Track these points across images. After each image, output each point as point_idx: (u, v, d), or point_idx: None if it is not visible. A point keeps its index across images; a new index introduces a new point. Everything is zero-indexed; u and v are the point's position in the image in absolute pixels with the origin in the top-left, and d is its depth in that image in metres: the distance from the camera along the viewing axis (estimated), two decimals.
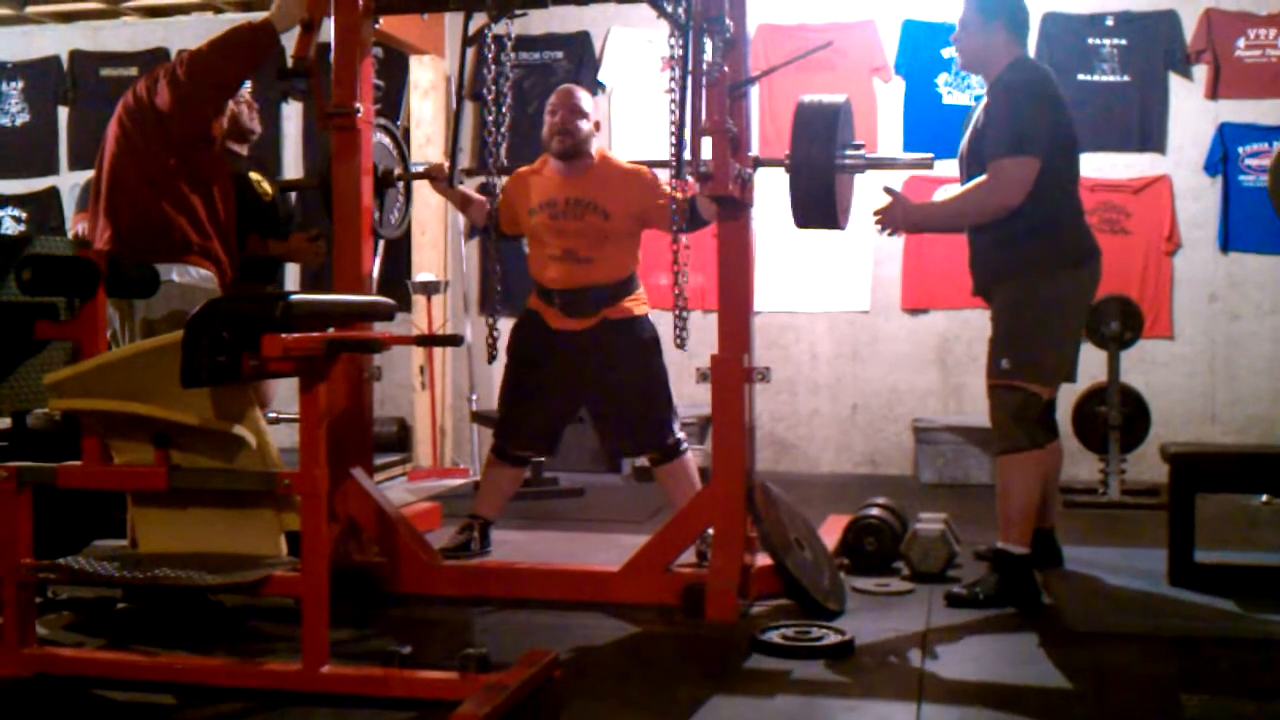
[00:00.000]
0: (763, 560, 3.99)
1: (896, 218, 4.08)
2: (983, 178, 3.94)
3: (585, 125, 4.55)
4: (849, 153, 4.05)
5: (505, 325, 4.67)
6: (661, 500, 5.62)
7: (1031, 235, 3.93)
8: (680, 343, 4.33)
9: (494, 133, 4.40)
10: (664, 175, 4.42)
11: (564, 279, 4.55)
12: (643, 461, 6.65)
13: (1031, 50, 6.74)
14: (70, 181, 8.04)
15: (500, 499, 4.78)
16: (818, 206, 3.96)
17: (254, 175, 4.81)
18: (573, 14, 7.35)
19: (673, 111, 3.88)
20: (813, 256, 7.00)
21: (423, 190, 7.17)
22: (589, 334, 4.55)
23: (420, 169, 4.89)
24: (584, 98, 4.61)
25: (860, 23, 7.08)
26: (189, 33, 7.67)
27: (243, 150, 4.77)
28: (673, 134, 3.87)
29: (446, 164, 4.65)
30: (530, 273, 4.67)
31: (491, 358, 4.55)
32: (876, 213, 4.09)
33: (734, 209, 4.03)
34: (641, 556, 4.04)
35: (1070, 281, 4.01)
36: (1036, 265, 3.94)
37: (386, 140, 4.80)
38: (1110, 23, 6.82)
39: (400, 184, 4.86)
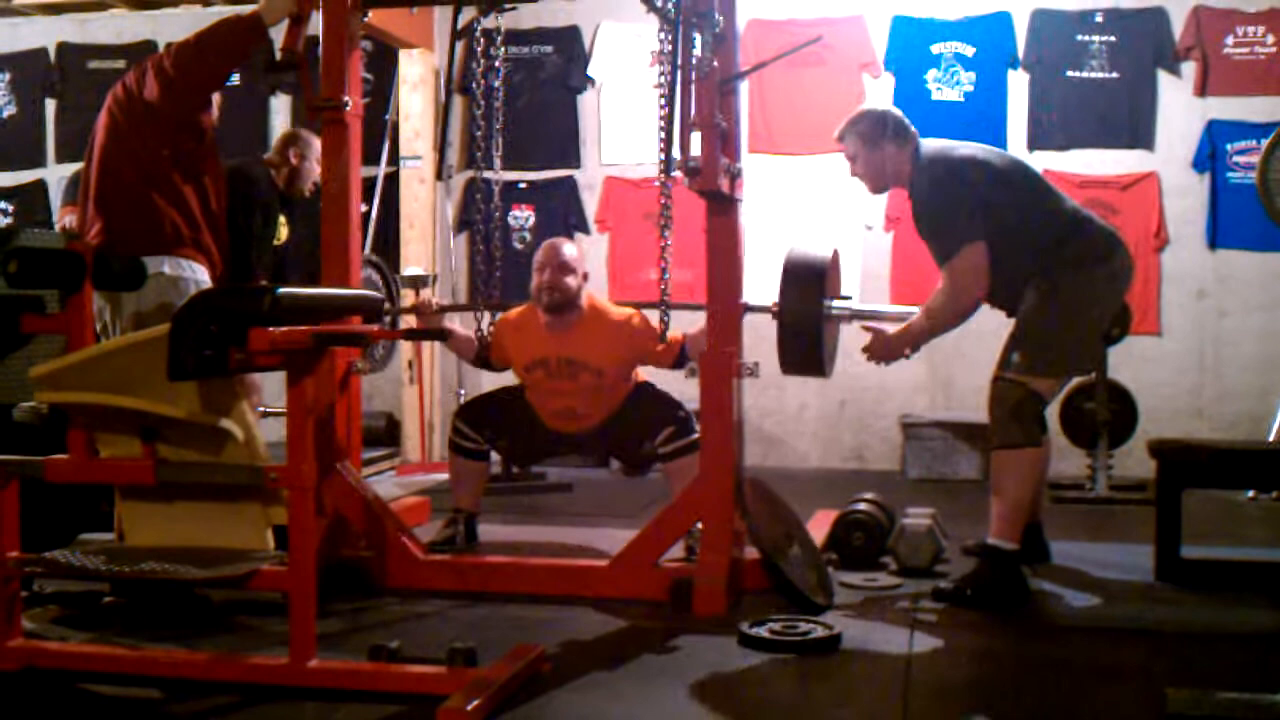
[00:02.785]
0: (751, 554, 4.00)
1: (883, 351, 4.21)
2: (942, 286, 4.06)
3: (573, 281, 4.58)
4: (836, 304, 4.21)
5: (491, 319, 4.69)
6: (649, 495, 5.63)
7: (1038, 261, 3.98)
8: (662, 336, 4.34)
9: (483, 127, 4.39)
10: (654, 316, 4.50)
11: (564, 427, 4.71)
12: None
13: (1021, 47, 6.85)
14: (58, 174, 8.01)
15: (474, 490, 4.79)
16: (805, 356, 4.08)
17: (281, 217, 4.92)
18: (563, 8, 7.35)
19: (662, 106, 3.89)
20: None
21: (411, 185, 7.21)
22: (588, 431, 4.74)
23: (408, 302, 5.04)
24: (570, 252, 4.64)
25: (849, 18, 7.08)
26: (177, 25, 7.63)
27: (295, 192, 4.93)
28: (662, 129, 3.87)
29: (435, 301, 4.79)
30: (529, 401, 4.76)
31: (482, 361, 4.57)
32: (865, 350, 4.23)
33: (723, 205, 4.03)
34: (630, 551, 4.04)
35: (1092, 279, 4.03)
36: (1055, 272, 3.98)
37: (375, 276, 4.86)
38: (1099, 19, 6.84)
39: (387, 319, 4.90)
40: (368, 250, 5.41)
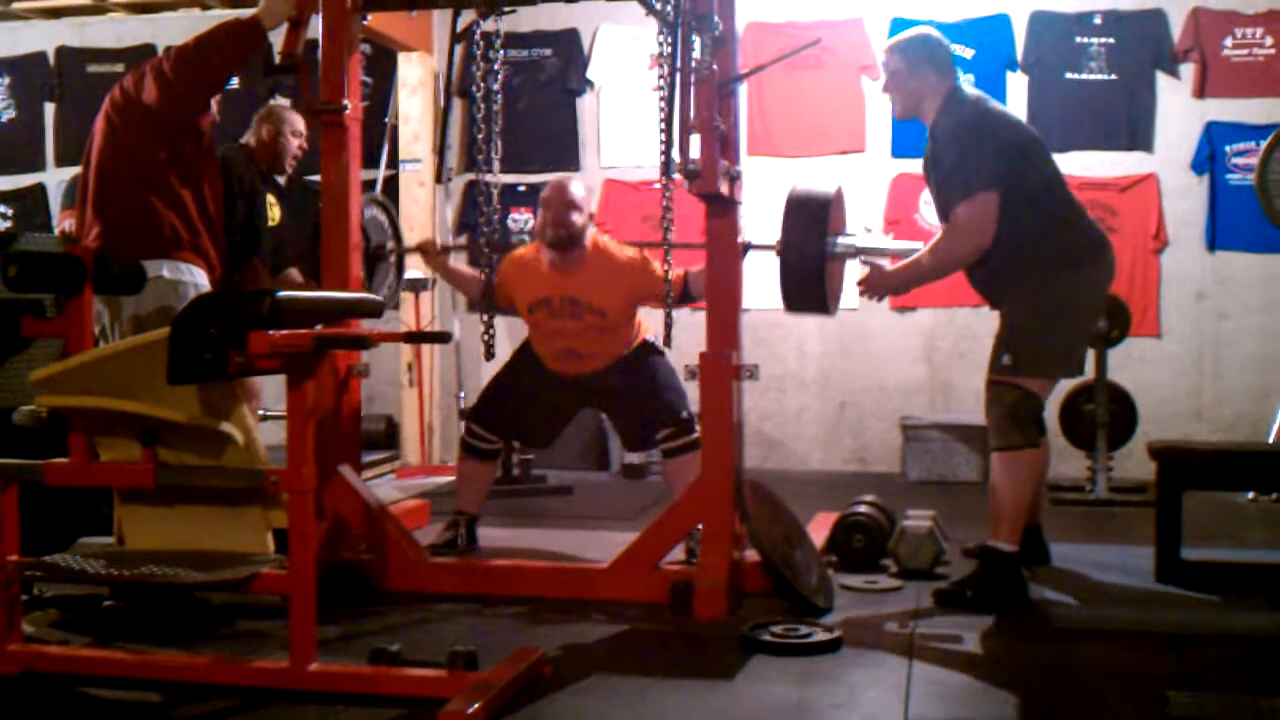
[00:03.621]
0: (751, 557, 4.00)
1: (879, 286, 4.20)
2: (948, 227, 4.02)
3: (578, 218, 4.58)
4: (840, 241, 4.14)
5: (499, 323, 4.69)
6: (650, 498, 5.63)
7: (1033, 243, 3.96)
8: (666, 340, 4.33)
9: (483, 130, 4.39)
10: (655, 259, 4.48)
11: (565, 368, 4.69)
12: (632, 458, 6.69)
13: (1019, 48, 6.86)
14: (57, 178, 8.02)
15: (479, 493, 4.80)
16: (808, 293, 4.04)
17: (269, 198, 4.86)
18: (562, 11, 7.32)
19: (661, 109, 3.89)
20: None
21: (410, 188, 7.21)
22: (592, 375, 4.69)
23: (412, 243, 4.99)
24: (577, 190, 4.64)
25: (848, 20, 7.08)
26: (176, 29, 7.63)
27: (279, 176, 4.87)
28: (661, 132, 3.87)
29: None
30: (531, 344, 4.75)
31: (490, 355, 4.54)
32: (860, 283, 4.20)
33: (722, 207, 4.03)
34: (630, 554, 4.04)
35: (1080, 277, 4.03)
36: (1046, 265, 3.97)
37: (380, 215, 4.82)
38: (1098, 21, 6.84)
39: (391, 258, 4.87)
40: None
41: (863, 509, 4.57)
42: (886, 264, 4.21)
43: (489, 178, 4.50)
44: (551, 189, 4.63)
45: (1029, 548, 4.19)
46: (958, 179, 3.98)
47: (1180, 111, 6.78)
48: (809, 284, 3.99)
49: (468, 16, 4.36)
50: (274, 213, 4.98)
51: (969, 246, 3.99)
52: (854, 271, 4.39)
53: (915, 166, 6.83)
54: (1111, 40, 6.82)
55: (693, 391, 4.12)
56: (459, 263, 4.93)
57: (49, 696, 3.09)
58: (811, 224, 3.97)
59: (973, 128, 4.01)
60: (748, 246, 4.15)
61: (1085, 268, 4.05)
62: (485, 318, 4.48)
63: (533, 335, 4.76)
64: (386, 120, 7.37)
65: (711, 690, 3.12)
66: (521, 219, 7.38)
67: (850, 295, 7.05)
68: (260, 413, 5.52)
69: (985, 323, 4.31)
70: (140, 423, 3.08)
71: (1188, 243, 6.79)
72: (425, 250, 4.80)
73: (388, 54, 7.25)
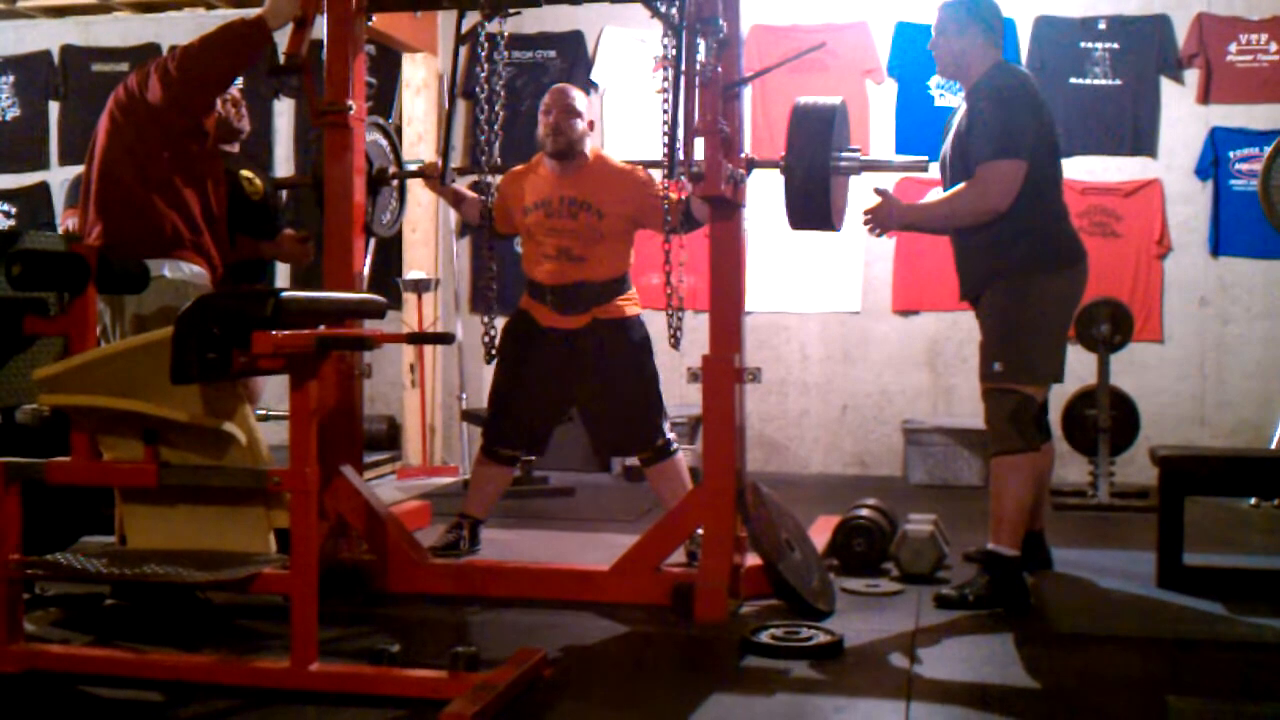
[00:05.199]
0: (752, 560, 4.00)
1: (886, 218, 4.09)
2: (972, 181, 3.95)
3: (579, 124, 4.56)
4: (844, 154, 4.06)
5: (500, 324, 4.65)
6: (651, 500, 5.62)
7: (1020, 237, 3.94)
8: (675, 342, 4.29)
9: (486, 131, 4.39)
10: (658, 175, 4.41)
11: (557, 275, 4.55)
12: (634, 461, 6.68)
13: (1024, 53, 6.87)
14: (60, 176, 8.02)
15: (489, 498, 4.78)
16: (812, 208, 3.96)
17: (245, 173, 4.80)
18: (566, 13, 7.32)
19: (665, 112, 3.89)
20: (805, 257, 7.01)
21: (414, 188, 7.18)
22: (580, 333, 4.55)
23: (414, 167, 4.88)
24: (578, 97, 4.62)
25: (853, 24, 7.09)
26: (181, 28, 7.65)
27: (233, 149, 4.76)
28: (665, 134, 3.87)
29: (440, 162, 4.63)
30: (523, 270, 4.68)
31: (490, 357, 4.52)
32: (866, 212, 4.10)
33: (726, 210, 4.04)
34: (631, 556, 4.04)
35: (1059, 282, 4.03)
36: (1026, 267, 3.96)
37: (381, 139, 4.80)
38: (1102, 26, 6.84)
39: (394, 182, 4.85)
40: (369, 256, 5.27)
41: (864, 512, 4.57)
42: (892, 190, 4.15)
43: (491, 179, 4.50)
44: (552, 95, 4.61)
45: (1031, 553, 4.19)
46: (995, 135, 3.91)
47: (1184, 117, 6.78)
48: (813, 196, 3.94)
49: (472, 18, 4.36)
50: (255, 185, 4.90)
51: (988, 205, 3.93)
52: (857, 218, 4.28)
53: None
54: (1116, 45, 6.82)
55: (694, 394, 4.11)
56: (460, 187, 4.86)
57: (50, 695, 3.09)
58: (816, 136, 3.93)
59: (1019, 96, 3.98)
60: (751, 163, 4.12)
61: (1066, 272, 4.05)
62: (485, 319, 4.47)
63: (526, 248, 4.67)
64: (390, 121, 7.37)
65: (712, 693, 3.11)
66: None
67: (853, 298, 7.16)
68: (259, 412, 5.49)
69: None
70: (143, 422, 3.09)
71: (1191, 248, 6.79)
72: (427, 174, 4.76)
73: (392, 55, 7.25)
